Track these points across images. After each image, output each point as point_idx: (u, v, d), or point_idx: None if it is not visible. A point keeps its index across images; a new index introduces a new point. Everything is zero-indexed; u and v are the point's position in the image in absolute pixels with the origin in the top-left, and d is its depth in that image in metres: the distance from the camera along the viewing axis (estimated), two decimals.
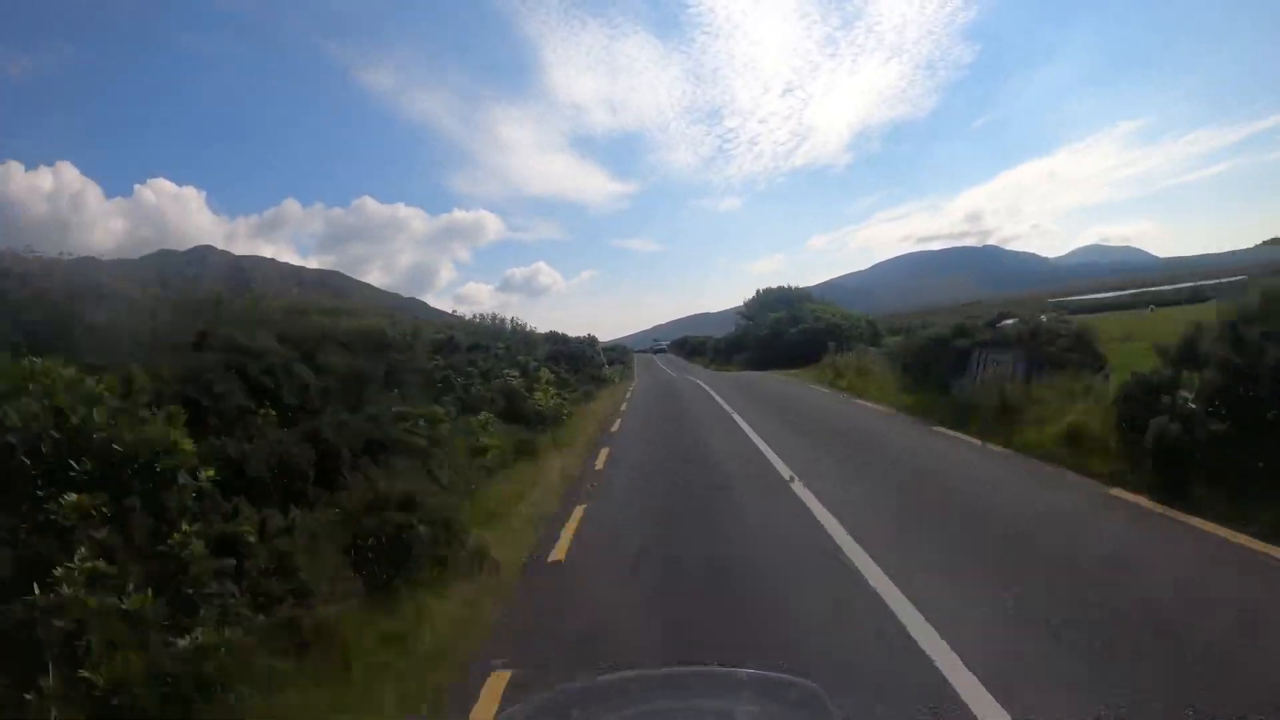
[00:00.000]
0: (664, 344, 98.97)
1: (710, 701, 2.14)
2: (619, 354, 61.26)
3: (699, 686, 2.40)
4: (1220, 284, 36.56)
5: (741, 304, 57.93)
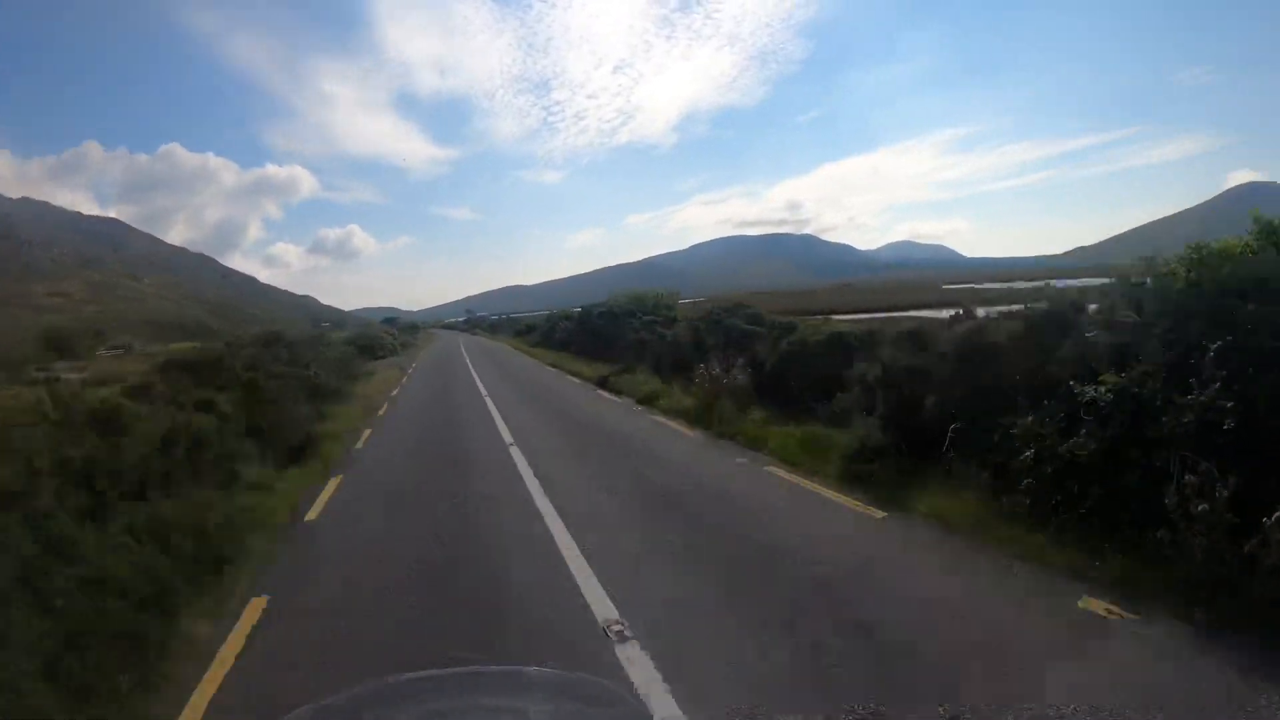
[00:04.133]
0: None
1: (504, 700, 2.08)
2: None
3: (492, 685, 2.33)
4: None
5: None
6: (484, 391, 22.94)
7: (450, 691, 2.18)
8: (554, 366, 31.14)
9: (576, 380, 24.71)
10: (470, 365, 36.24)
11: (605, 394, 20.15)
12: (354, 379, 27.68)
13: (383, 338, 64.77)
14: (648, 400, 17.26)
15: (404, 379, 31.54)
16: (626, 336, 27.69)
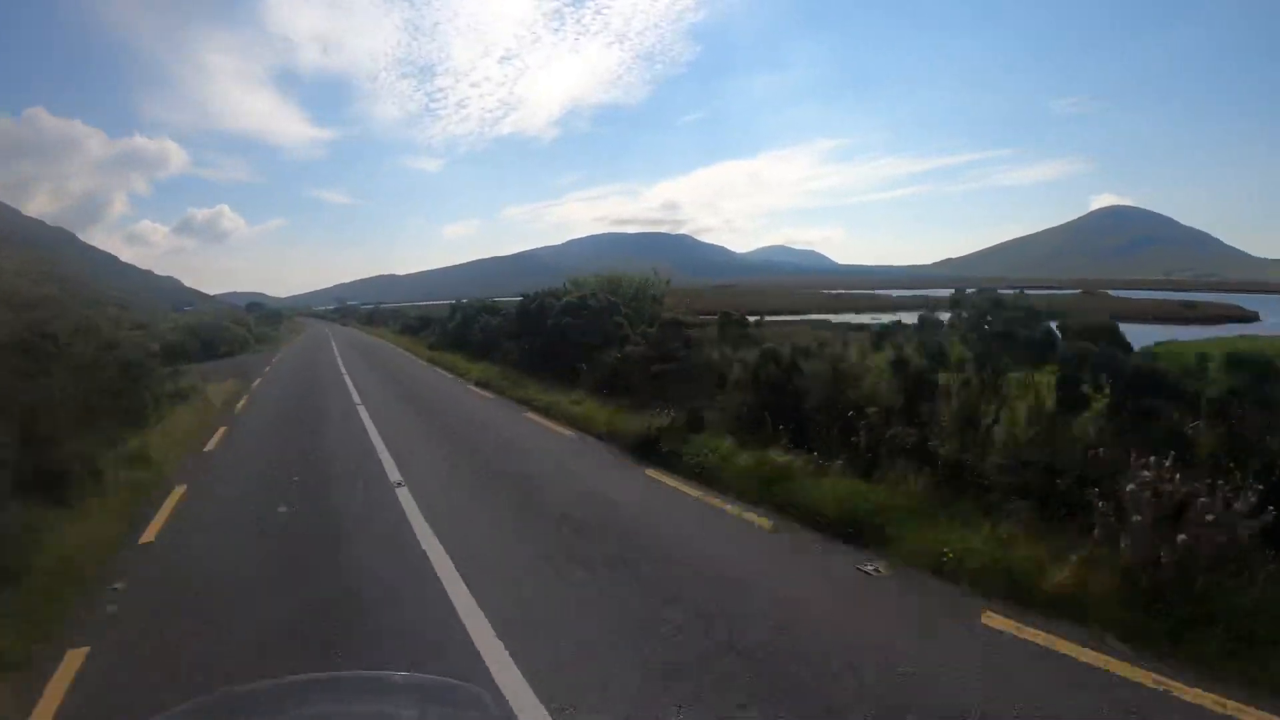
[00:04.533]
0: None
1: (369, 706, 2.01)
2: None
3: (356, 691, 2.26)
4: None
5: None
6: (393, 473, 10.70)
7: (315, 697, 2.11)
8: (491, 392, 19.29)
9: (572, 435, 12.99)
10: (351, 383, 22.84)
11: (682, 489, 8.86)
12: (149, 415, 15.24)
13: (231, 329, 50.23)
14: (944, 557, 6.25)
15: (242, 404, 19.22)
16: (611, 345, 17.12)
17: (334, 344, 46.93)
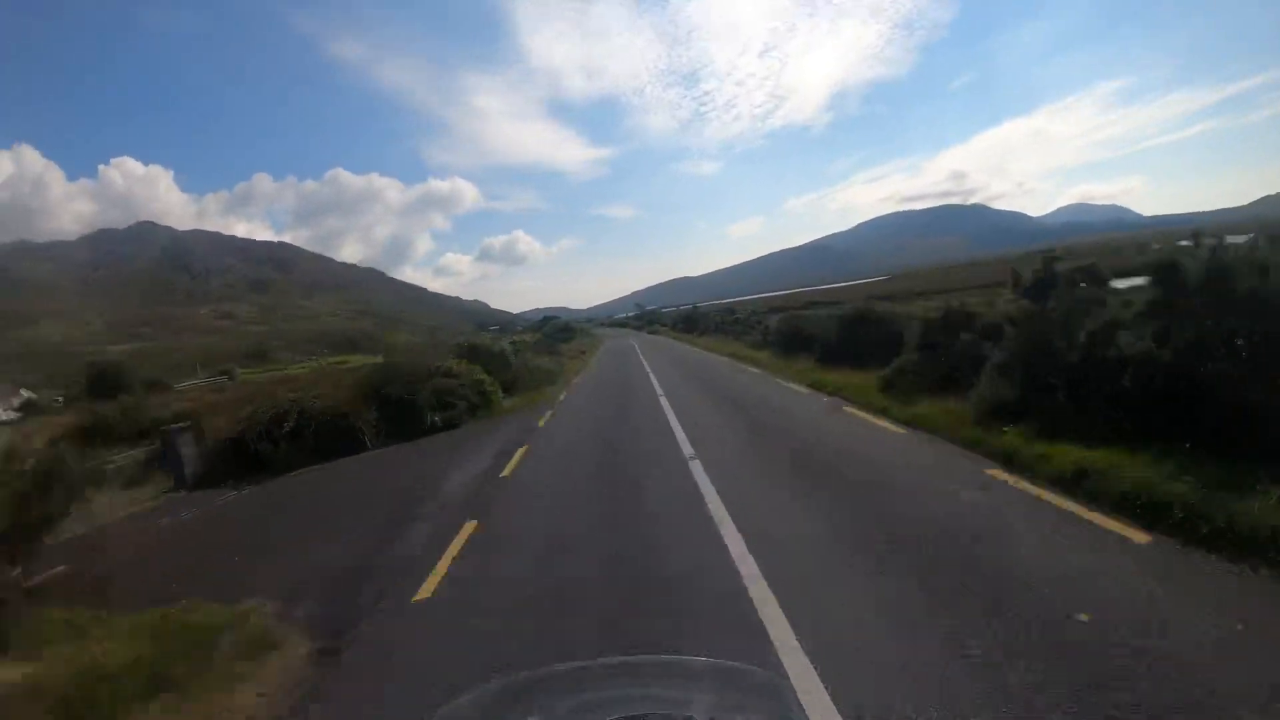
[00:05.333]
0: None
1: (666, 690, 2.02)
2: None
3: (654, 675, 2.29)
4: None
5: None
6: None
7: (611, 681, 2.15)
8: None
9: None
10: None
11: None
12: None
13: (449, 376, 20.20)
14: None
15: None
16: None
17: (660, 393, 20.12)
